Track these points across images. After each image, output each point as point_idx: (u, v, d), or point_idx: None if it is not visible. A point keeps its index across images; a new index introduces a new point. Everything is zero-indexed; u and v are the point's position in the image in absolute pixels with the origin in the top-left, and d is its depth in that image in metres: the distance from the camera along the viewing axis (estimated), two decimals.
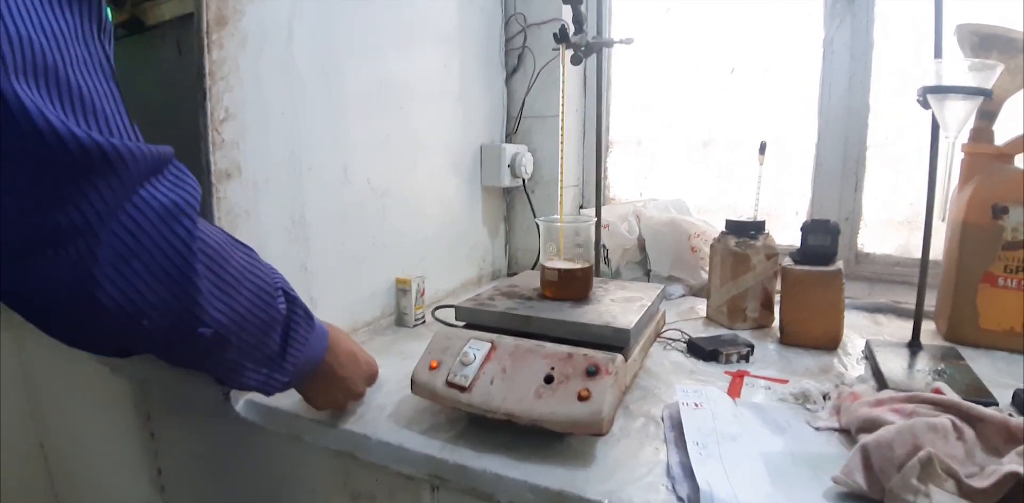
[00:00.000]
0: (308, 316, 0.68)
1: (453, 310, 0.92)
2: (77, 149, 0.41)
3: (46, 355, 1.37)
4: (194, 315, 0.52)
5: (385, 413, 0.82)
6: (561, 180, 1.04)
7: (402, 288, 1.19)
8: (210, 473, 1.03)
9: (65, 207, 0.42)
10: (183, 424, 1.05)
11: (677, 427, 0.74)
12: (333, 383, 0.76)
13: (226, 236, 0.57)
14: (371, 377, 0.83)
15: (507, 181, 1.46)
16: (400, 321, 1.21)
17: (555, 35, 0.99)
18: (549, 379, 0.71)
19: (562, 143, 1.08)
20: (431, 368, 0.77)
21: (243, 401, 0.88)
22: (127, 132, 0.47)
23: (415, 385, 0.78)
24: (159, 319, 0.49)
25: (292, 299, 0.65)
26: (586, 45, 1.04)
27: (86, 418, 1.29)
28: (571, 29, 1.03)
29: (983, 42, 1.01)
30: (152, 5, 1.32)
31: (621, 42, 1.13)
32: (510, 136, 1.57)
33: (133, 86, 1.42)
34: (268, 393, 0.68)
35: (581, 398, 0.68)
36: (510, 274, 1.64)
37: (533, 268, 1.57)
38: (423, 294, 1.22)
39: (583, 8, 1.00)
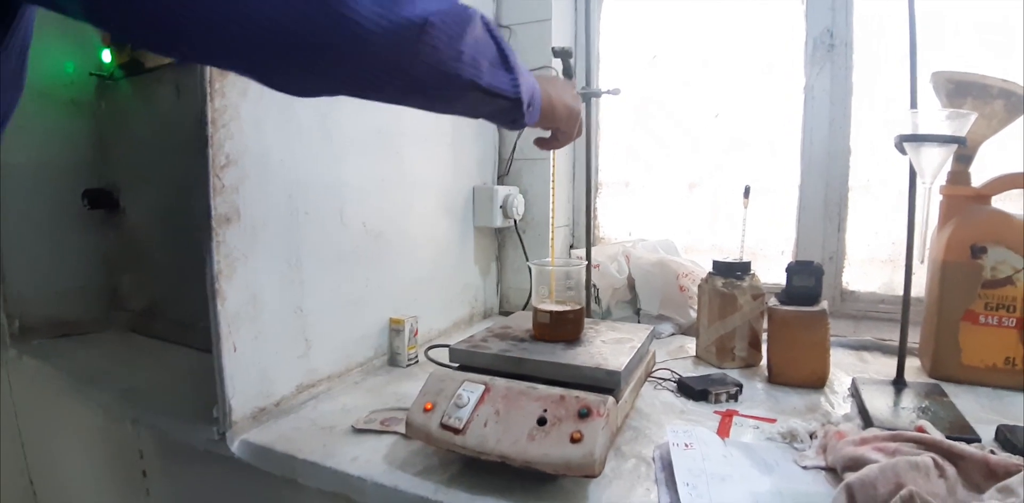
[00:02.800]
0: None
1: (446, 350, 0.93)
2: None
3: (35, 391, 1.37)
4: None
5: (379, 455, 0.83)
6: (552, 222, 1.06)
7: (395, 328, 1.21)
8: None
9: None
10: (176, 463, 1.05)
11: (668, 468, 0.75)
12: (567, 114, 0.76)
13: None
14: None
15: (499, 222, 1.49)
16: (393, 361, 1.22)
17: None
18: (542, 421, 0.73)
19: (553, 187, 1.11)
20: (426, 410, 0.79)
21: (238, 441, 0.88)
22: None
23: (410, 427, 0.79)
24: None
25: None
26: None
27: (76, 455, 1.29)
28: None
29: (958, 89, 1.05)
30: None
31: (609, 93, 1.17)
32: (502, 178, 1.60)
33: (131, 125, 1.47)
34: (525, 102, 0.64)
35: (573, 440, 0.70)
36: (502, 313, 1.66)
37: (524, 308, 1.59)
38: (416, 334, 1.23)
39: (572, 61, 1.04)
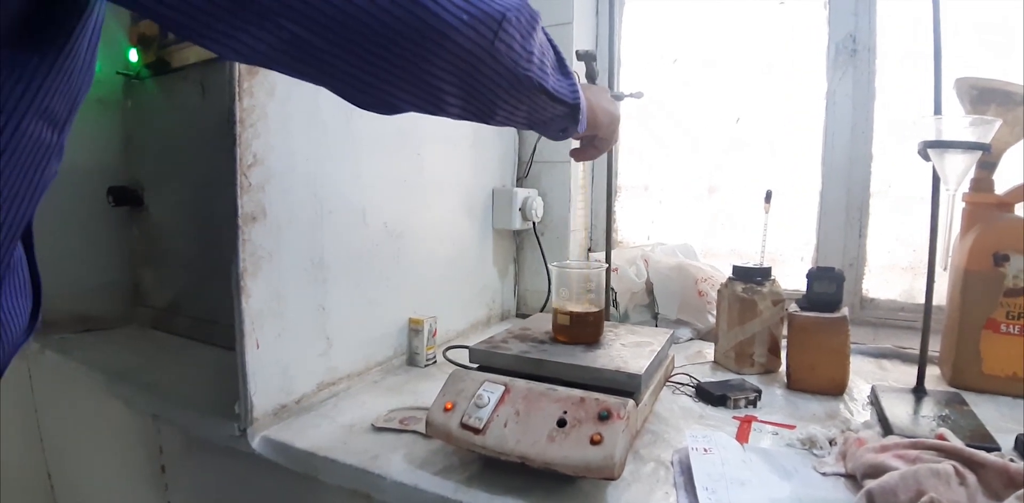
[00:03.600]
0: None
1: (463, 350, 0.94)
2: None
3: (56, 385, 1.39)
4: None
5: (399, 453, 0.83)
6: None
7: (414, 328, 1.22)
8: None
9: None
10: (195, 459, 1.06)
11: (687, 472, 0.76)
12: (608, 120, 0.75)
13: None
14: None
15: (518, 224, 1.50)
16: (412, 361, 1.23)
17: None
18: (562, 423, 0.73)
19: (582, 187, 1.11)
20: (446, 410, 0.79)
21: (259, 437, 0.89)
22: None
23: (430, 426, 0.79)
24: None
25: None
26: None
27: (95, 449, 1.30)
28: None
29: (982, 95, 1.05)
30: (177, 48, 1.38)
31: (632, 96, 1.17)
32: (521, 180, 1.61)
33: (156, 124, 1.48)
34: (576, 110, 0.64)
35: (593, 442, 0.70)
36: (519, 315, 1.66)
37: (542, 310, 1.59)
38: (435, 334, 1.24)
39: (595, 64, 1.05)
